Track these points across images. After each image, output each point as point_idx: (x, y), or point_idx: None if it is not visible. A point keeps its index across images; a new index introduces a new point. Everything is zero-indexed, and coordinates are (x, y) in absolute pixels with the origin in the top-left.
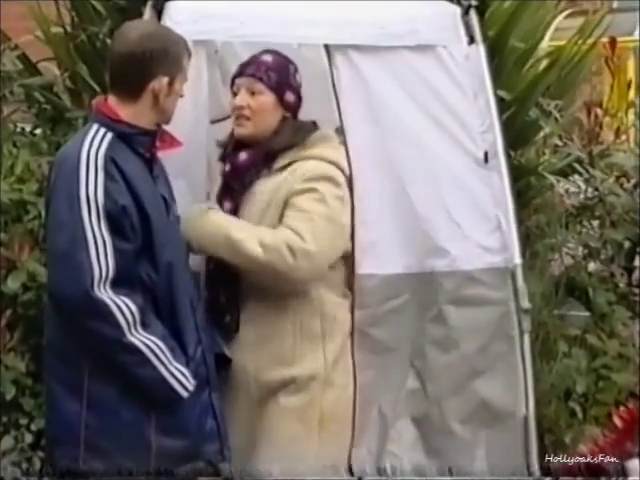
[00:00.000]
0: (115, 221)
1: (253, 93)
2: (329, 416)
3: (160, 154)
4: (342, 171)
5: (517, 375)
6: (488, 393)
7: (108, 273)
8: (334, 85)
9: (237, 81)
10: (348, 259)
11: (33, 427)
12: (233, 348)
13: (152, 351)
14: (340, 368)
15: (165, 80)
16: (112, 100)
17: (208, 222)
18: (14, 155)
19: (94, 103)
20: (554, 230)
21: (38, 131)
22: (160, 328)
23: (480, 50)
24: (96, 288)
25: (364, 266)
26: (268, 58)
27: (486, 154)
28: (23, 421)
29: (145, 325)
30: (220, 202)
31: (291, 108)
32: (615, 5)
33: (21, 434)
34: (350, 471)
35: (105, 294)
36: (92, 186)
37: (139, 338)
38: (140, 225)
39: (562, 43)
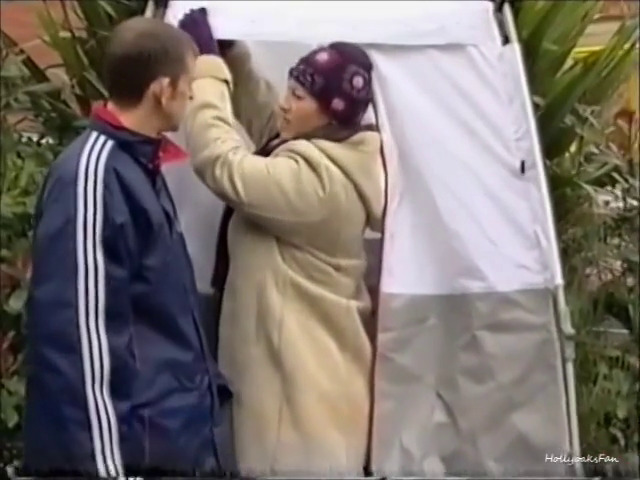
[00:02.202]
0: (111, 244)
1: (297, 96)
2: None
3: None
4: (344, 176)
5: (559, 408)
6: (527, 428)
7: (97, 304)
8: None
9: (288, 80)
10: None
11: None
12: (219, 321)
13: (99, 420)
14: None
15: (166, 81)
16: (112, 106)
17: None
18: (18, 166)
19: (93, 109)
20: (591, 243)
21: (45, 141)
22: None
23: (515, 49)
24: (82, 324)
25: (389, 284)
26: (322, 57)
27: (522, 164)
28: None
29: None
30: None
31: (338, 115)
32: None
33: None
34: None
35: (92, 330)
36: (91, 206)
37: (97, 398)
38: (139, 242)
39: (590, 49)
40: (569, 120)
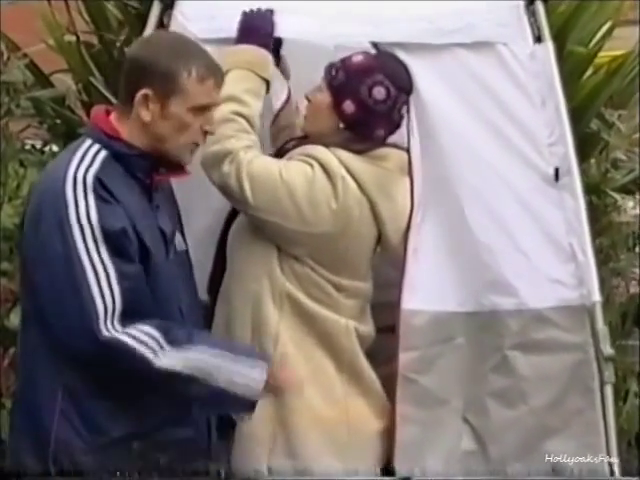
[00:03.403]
0: (115, 242)
1: (319, 89)
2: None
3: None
4: (360, 191)
5: (597, 435)
6: (562, 456)
7: (115, 306)
8: None
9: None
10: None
11: None
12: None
13: (195, 367)
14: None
15: (144, 92)
16: (114, 114)
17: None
18: (20, 175)
19: (92, 114)
20: (619, 254)
21: (48, 148)
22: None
23: (548, 48)
24: (103, 329)
25: (411, 300)
26: (356, 59)
27: (557, 171)
28: None
29: (175, 342)
30: None
31: (347, 119)
32: None
33: None
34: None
35: (115, 332)
36: (83, 207)
37: (170, 359)
38: (140, 260)
39: (609, 53)
40: (595, 125)
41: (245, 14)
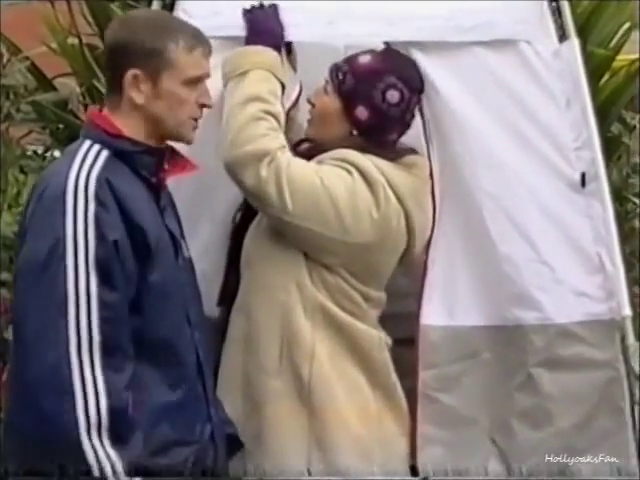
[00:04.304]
0: (104, 265)
1: (325, 92)
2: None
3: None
4: (397, 201)
5: (628, 457)
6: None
7: (92, 338)
8: None
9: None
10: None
11: None
12: (223, 347)
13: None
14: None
15: (133, 73)
16: (105, 109)
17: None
18: (21, 182)
19: (87, 114)
20: None
21: (50, 154)
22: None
23: (573, 46)
24: (75, 361)
25: (430, 315)
26: (364, 59)
27: (583, 176)
28: None
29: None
30: None
31: (361, 126)
32: None
33: None
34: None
35: (88, 370)
36: (81, 223)
37: (96, 447)
38: (136, 265)
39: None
40: (615, 129)
41: (251, 12)
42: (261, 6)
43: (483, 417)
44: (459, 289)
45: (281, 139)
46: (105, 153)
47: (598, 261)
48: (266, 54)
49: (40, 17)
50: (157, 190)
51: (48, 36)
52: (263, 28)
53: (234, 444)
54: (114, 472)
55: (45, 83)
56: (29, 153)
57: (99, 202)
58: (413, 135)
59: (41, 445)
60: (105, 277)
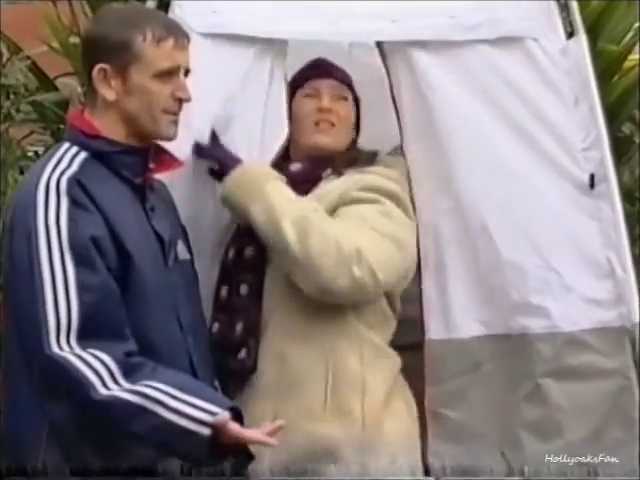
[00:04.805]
0: (83, 252)
1: (343, 98)
2: None
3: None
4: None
5: None
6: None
7: (70, 321)
8: (393, 94)
9: (314, 83)
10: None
11: None
12: (247, 394)
13: (144, 395)
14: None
15: (100, 67)
16: (87, 109)
17: (247, 171)
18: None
19: (69, 115)
20: None
21: None
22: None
23: (581, 42)
24: (53, 344)
25: (433, 329)
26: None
27: (592, 177)
28: None
29: (132, 373)
30: None
31: (357, 132)
32: None
33: None
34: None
35: (64, 350)
36: (53, 213)
37: (120, 390)
38: (118, 269)
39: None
40: (627, 128)
41: (208, 148)
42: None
43: (491, 430)
44: (457, 299)
45: (349, 231)
46: (83, 155)
47: (608, 266)
48: (253, 172)
49: (42, 16)
50: (142, 191)
51: (50, 35)
52: (227, 156)
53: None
54: None
55: (47, 83)
56: (30, 154)
57: (73, 200)
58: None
59: None
60: (84, 261)
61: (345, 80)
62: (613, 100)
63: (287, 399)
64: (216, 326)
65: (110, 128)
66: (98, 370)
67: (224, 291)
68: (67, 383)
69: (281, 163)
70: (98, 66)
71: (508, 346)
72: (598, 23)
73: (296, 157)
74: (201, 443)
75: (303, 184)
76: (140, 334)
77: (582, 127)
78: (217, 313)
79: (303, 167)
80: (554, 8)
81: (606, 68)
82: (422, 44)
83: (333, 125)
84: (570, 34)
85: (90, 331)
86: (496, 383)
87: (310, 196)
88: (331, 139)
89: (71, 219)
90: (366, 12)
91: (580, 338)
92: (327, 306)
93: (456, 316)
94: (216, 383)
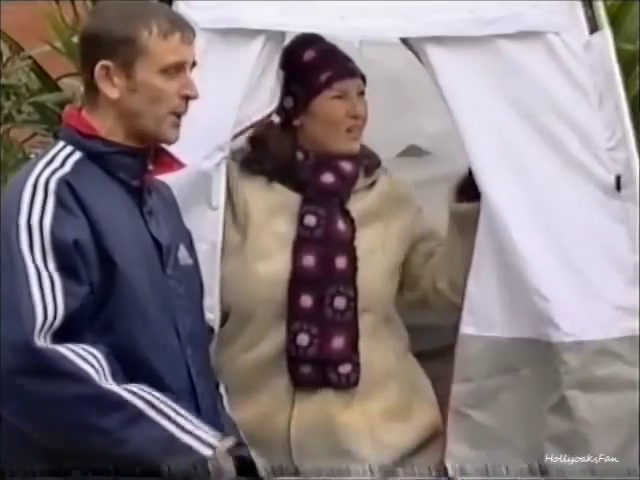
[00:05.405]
0: (66, 256)
1: (362, 94)
2: None
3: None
4: None
5: None
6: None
7: (55, 321)
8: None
9: (342, 85)
10: None
11: None
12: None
13: (147, 401)
14: None
15: (103, 64)
16: (85, 108)
17: None
18: None
19: (64, 114)
20: None
21: None
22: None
23: (606, 37)
24: (40, 339)
25: (469, 324)
26: None
27: (618, 179)
28: None
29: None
30: (301, 217)
31: None
32: None
33: None
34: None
35: (50, 344)
36: (37, 213)
37: (119, 388)
38: (100, 278)
39: None
40: None
41: None
42: None
43: (517, 438)
44: (496, 301)
45: None
46: (77, 156)
47: (636, 271)
48: None
49: (45, 16)
50: (140, 194)
51: (53, 35)
52: None
53: (245, 466)
54: None
55: (49, 83)
56: (32, 157)
57: (59, 202)
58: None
59: None
60: (67, 266)
61: (362, 74)
62: (631, 97)
63: (363, 403)
64: (304, 338)
65: (109, 128)
66: (89, 360)
67: (308, 301)
68: (66, 376)
69: (289, 148)
70: (101, 63)
71: (539, 353)
72: (613, 22)
73: (312, 148)
74: (199, 462)
75: (352, 184)
76: (131, 347)
77: (607, 126)
78: (300, 323)
79: (354, 167)
80: (576, 3)
81: (622, 67)
82: (438, 40)
83: (361, 130)
84: (593, 30)
85: (70, 333)
86: (528, 389)
87: (358, 207)
88: (359, 143)
89: (55, 219)
90: (377, 9)
91: (608, 347)
92: (397, 334)
93: (494, 316)
94: (222, 389)
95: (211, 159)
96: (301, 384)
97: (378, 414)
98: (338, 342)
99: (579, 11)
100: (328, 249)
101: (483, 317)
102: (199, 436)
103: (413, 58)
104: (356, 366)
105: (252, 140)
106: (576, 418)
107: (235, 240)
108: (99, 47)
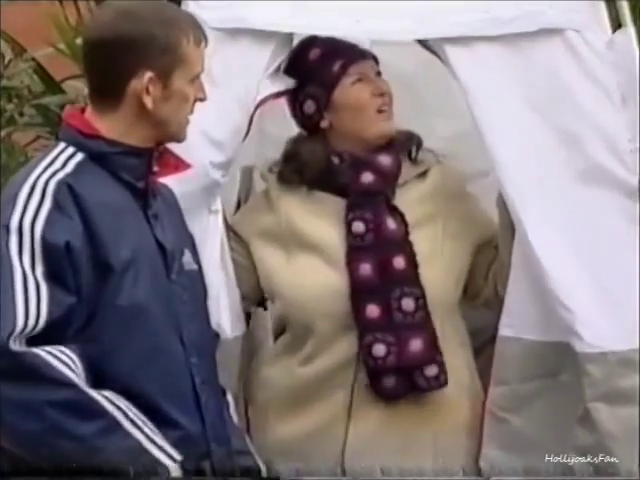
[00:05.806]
0: (53, 264)
1: (380, 74)
2: None
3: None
4: None
5: None
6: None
7: (36, 326)
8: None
9: (358, 68)
10: None
11: None
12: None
13: (122, 411)
14: None
15: (148, 76)
16: (90, 110)
17: None
18: None
19: (64, 114)
20: None
21: None
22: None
23: (629, 35)
24: (14, 342)
25: (508, 325)
26: None
27: None
28: None
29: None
30: (348, 225)
31: None
32: None
33: None
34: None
35: (26, 348)
36: (30, 215)
37: (99, 395)
38: (93, 282)
39: None
40: None
41: None
42: None
43: (552, 445)
44: (532, 305)
45: None
46: (79, 157)
47: None
48: None
49: (48, 17)
50: (145, 196)
51: (56, 37)
52: None
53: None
54: None
55: (52, 86)
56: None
57: (56, 204)
58: None
59: None
60: (54, 276)
61: (374, 55)
62: None
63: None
64: (380, 348)
65: (125, 130)
66: (71, 366)
67: (375, 310)
68: (41, 379)
69: (322, 155)
70: (148, 75)
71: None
72: (637, 21)
73: (346, 146)
74: (163, 474)
75: (394, 178)
76: (129, 354)
77: (631, 127)
78: (372, 334)
79: (392, 159)
80: (600, 3)
81: None
82: (454, 41)
83: (391, 107)
84: (616, 29)
85: (49, 342)
86: (566, 396)
87: (408, 201)
88: (392, 123)
89: (48, 223)
90: (392, 11)
91: (632, 358)
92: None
93: (529, 317)
94: (229, 397)
95: (217, 161)
96: (388, 397)
97: (448, 430)
98: (416, 345)
99: (602, 10)
100: (383, 252)
101: (520, 319)
102: (163, 447)
103: (424, 60)
104: (441, 365)
105: (285, 156)
106: (600, 431)
107: (281, 255)
108: (142, 55)
